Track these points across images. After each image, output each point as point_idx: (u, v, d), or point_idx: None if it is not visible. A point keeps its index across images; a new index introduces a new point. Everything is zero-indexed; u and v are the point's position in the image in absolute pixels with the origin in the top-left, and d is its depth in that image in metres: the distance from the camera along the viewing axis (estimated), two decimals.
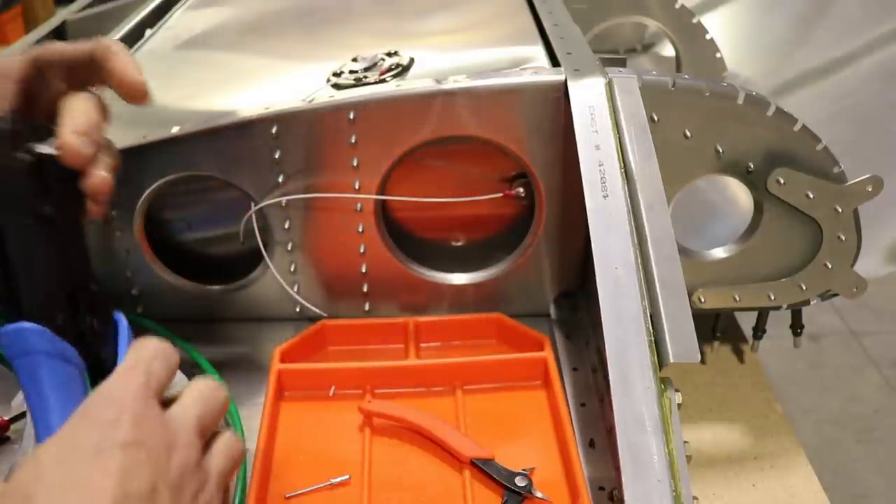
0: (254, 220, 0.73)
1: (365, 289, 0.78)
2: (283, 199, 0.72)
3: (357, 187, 0.72)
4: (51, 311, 0.43)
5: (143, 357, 0.40)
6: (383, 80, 0.74)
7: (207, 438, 0.41)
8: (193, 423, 0.40)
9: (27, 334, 0.41)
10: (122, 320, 0.46)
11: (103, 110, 0.54)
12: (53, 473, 0.35)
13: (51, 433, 0.37)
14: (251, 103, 0.72)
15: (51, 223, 0.45)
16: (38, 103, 0.54)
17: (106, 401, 0.38)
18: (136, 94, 0.55)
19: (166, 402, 0.40)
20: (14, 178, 0.44)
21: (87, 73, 0.55)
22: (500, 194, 0.76)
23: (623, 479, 0.49)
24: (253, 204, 0.72)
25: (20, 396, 0.67)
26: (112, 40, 0.55)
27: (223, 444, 0.42)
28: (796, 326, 0.82)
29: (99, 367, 0.43)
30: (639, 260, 0.59)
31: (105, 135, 0.54)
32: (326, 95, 0.71)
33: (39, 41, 1.23)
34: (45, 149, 0.45)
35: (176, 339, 0.73)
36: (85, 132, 0.50)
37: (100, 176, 0.50)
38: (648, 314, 0.56)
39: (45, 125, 0.47)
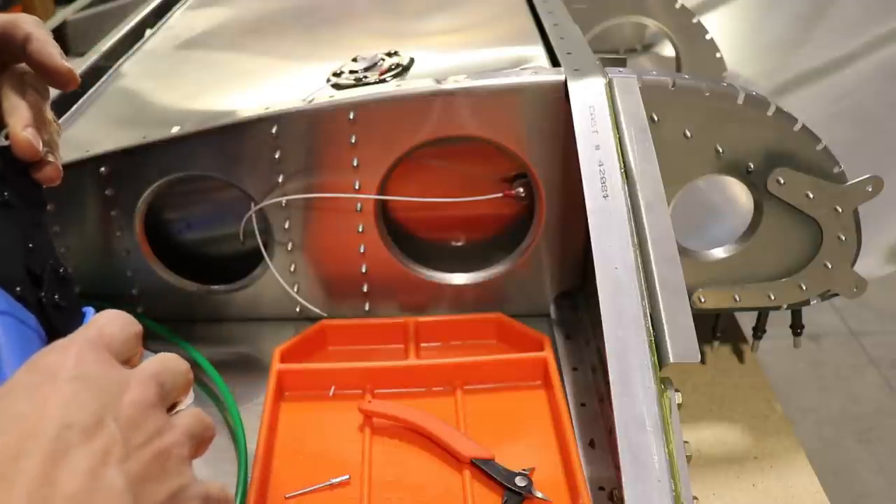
0: (254, 221, 0.73)
1: (365, 289, 0.78)
2: (283, 200, 0.72)
3: (357, 187, 0.72)
4: (10, 280, 0.44)
5: (98, 320, 0.38)
6: (383, 80, 0.74)
7: (166, 397, 0.37)
8: (149, 372, 0.37)
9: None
10: (90, 311, 0.46)
11: (43, 91, 0.53)
12: None
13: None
14: (251, 103, 0.72)
15: (10, 207, 0.47)
16: None
17: (54, 348, 0.36)
18: (62, 81, 0.52)
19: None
20: None
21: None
22: (500, 194, 0.76)
23: (623, 479, 0.49)
24: (253, 204, 0.73)
25: None
26: (23, 15, 0.51)
27: (191, 410, 0.39)
28: (796, 326, 0.82)
29: None
30: (639, 260, 0.59)
31: (47, 114, 0.53)
32: (326, 95, 0.71)
33: None
34: None
35: (176, 339, 0.73)
36: (33, 124, 0.50)
37: (51, 165, 0.52)
38: (648, 314, 0.56)
39: None
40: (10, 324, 0.41)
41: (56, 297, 0.46)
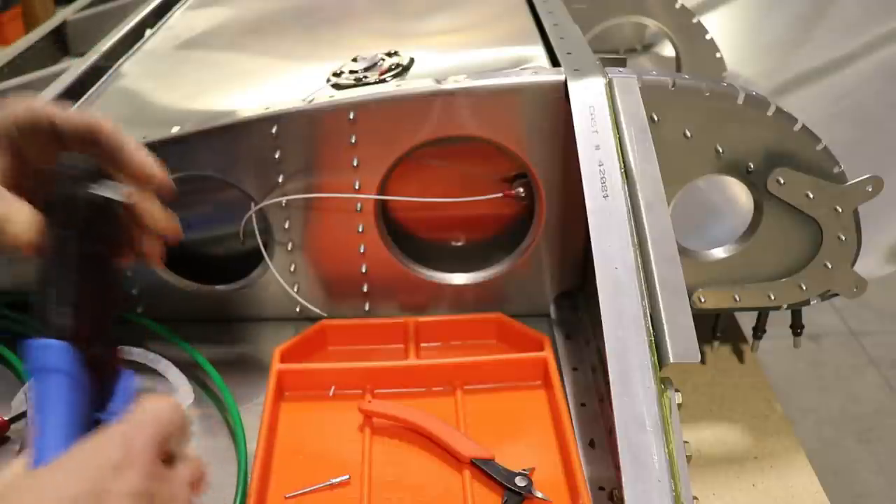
0: (254, 221, 0.73)
1: (365, 289, 0.78)
2: (283, 200, 0.72)
3: (357, 187, 0.72)
4: (92, 338, 0.43)
5: (158, 413, 0.41)
6: (383, 80, 0.74)
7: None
8: (185, 479, 0.42)
9: (57, 352, 0.41)
10: (130, 376, 0.46)
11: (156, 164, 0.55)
12: (52, 496, 0.36)
13: (49, 452, 0.38)
14: (251, 103, 0.72)
15: (103, 258, 0.47)
16: (27, 155, 0.54)
17: (116, 444, 0.39)
18: (159, 187, 0.55)
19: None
20: (87, 214, 0.46)
21: (80, 145, 0.54)
22: (500, 194, 0.76)
23: (623, 479, 0.49)
24: (253, 204, 0.73)
25: (20, 396, 0.67)
26: (107, 120, 0.54)
27: (193, 466, 0.43)
28: (796, 326, 0.82)
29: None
30: (639, 260, 0.59)
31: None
32: (326, 95, 0.71)
33: (39, 41, 1.23)
34: (116, 195, 0.47)
35: (176, 339, 0.73)
36: (150, 182, 0.54)
37: (172, 223, 0.55)
38: (648, 314, 0.56)
39: (103, 170, 0.49)
40: (72, 389, 0.41)
41: (108, 349, 0.46)
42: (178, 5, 1.13)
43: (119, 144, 0.53)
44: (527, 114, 0.70)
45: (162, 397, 0.43)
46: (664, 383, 0.54)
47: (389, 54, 0.79)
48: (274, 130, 0.70)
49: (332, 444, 0.65)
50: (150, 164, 0.53)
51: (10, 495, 0.36)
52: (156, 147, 0.70)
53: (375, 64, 0.77)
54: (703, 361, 0.82)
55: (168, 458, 0.41)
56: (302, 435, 0.66)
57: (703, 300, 0.73)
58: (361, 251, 0.75)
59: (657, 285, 0.57)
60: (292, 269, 0.76)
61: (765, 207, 0.70)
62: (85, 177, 0.46)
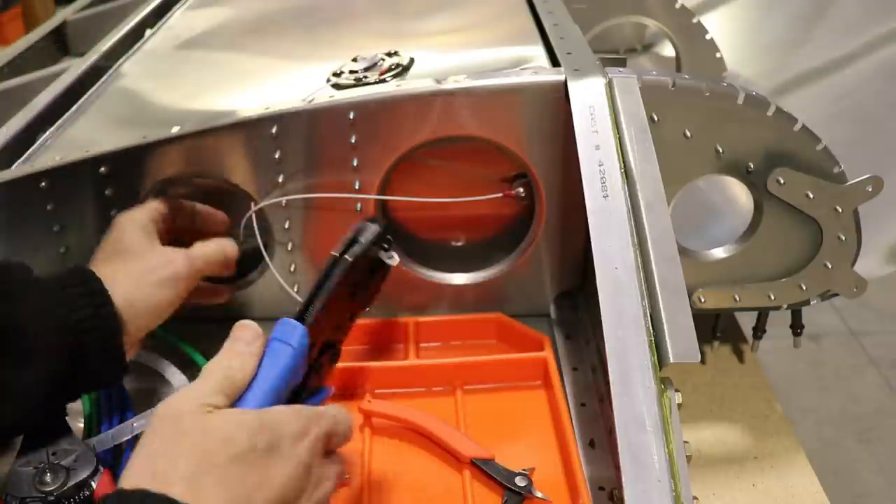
0: (254, 220, 0.73)
1: None
2: (283, 200, 0.72)
3: (357, 187, 0.72)
4: (322, 338, 0.56)
5: (336, 416, 0.50)
6: (383, 80, 0.74)
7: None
8: (337, 471, 0.50)
9: (296, 329, 0.53)
10: (328, 391, 0.56)
11: None
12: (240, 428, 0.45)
13: (249, 404, 0.48)
14: (251, 103, 0.72)
15: (359, 293, 0.61)
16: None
17: (302, 419, 0.47)
18: None
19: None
20: (367, 265, 0.61)
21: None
22: (500, 194, 0.76)
23: (623, 479, 0.49)
24: (253, 204, 0.72)
25: None
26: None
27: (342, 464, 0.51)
28: (796, 326, 0.82)
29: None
30: (639, 260, 0.59)
31: None
32: (326, 95, 0.71)
33: (39, 41, 1.23)
34: (391, 261, 0.63)
35: (176, 340, 0.73)
36: None
37: None
38: (648, 314, 0.56)
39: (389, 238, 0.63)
40: (294, 365, 0.52)
41: (326, 357, 0.57)
42: (178, 5, 1.13)
43: None
44: (527, 114, 0.70)
45: (343, 409, 0.51)
46: (664, 383, 0.54)
47: (389, 54, 0.79)
48: (274, 130, 0.70)
49: None
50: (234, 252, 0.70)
51: (199, 417, 0.45)
52: (156, 147, 0.70)
53: (375, 64, 0.77)
54: (703, 361, 0.82)
55: (328, 453, 0.49)
56: None
57: (703, 300, 0.73)
58: None
59: (657, 285, 0.57)
60: (292, 268, 0.76)
61: (765, 207, 0.70)
62: (378, 241, 0.61)
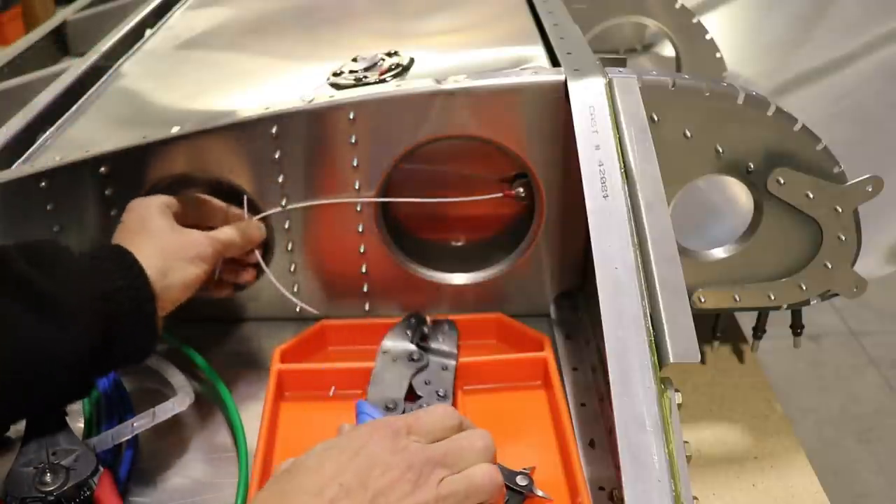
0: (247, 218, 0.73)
1: (365, 289, 0.78)
2: (284, 205, 0.72)
3: (357, 187, 0.72)
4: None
5: (421, 415, 0.52)
6: (383, 80, 0.74)
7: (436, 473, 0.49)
8: (432, 459, 0.49)
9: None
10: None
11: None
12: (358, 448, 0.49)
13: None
14: (251, 103, 0.72)
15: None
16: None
17: (370, 425, 0.51)
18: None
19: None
20: None
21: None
22: (500, 194, 0.76)
23: (623, 479, 0.49)
24: (249, 215, 0.72)
25: None
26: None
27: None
28: (796, 326, 0.82)
29: None
30: (639, 260, 0.59)
31: None
32: (326, 95, 0.71)
33: (39, 41, 1.23)
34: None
35: (175, 340, 0.73)
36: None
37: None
38: (648, 314, 0.56)
39: None
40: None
41: None
42: (178, 5, 1.13)
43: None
44: (527, 114, 0.70)
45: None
46: (664, 383, 0.54)
47: (389, 54, 0.79)
48: (274, 130, 0.70)
49: None
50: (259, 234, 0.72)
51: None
52: (156, 147, 0.70)
53: (375, 64, 0.77)
54: (703, 361, 0.82)
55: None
56: (302, 435, 0.65)
57: (703, 300, 0.73)
58: (361, 251, 0.75)
59: (657, 285, 0.57)
60: (292, 269, 0.76)
61: (765, 207, 0.70)
62: None
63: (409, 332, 0.71)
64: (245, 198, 0.72)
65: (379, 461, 0.47)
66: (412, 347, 0.70)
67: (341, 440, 0.50)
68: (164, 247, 0.63)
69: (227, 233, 0.69)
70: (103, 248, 0.61)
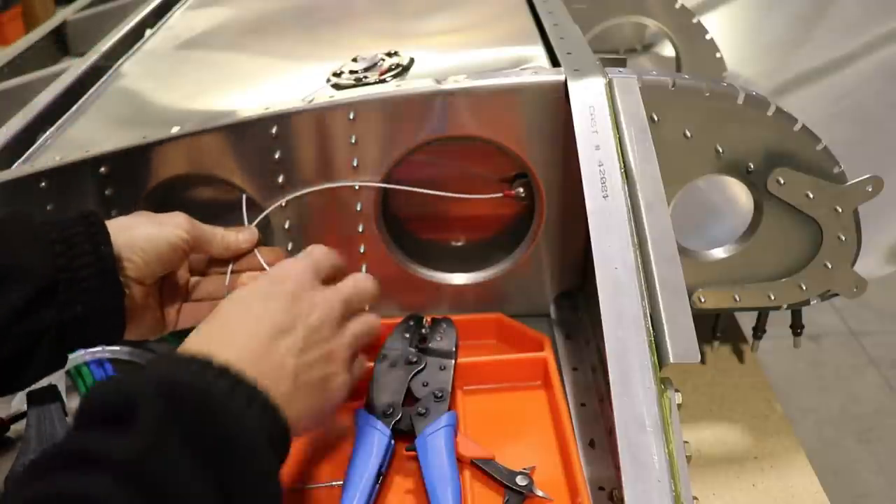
0: (245, 219, 0.73)
1: None
2: (283, 201, 0.72)
3: (357, 187, 0.72)
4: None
5: (313, 253, 0.59)
6: (383, 80, 0.74)
7: (353, 312, 0.58)
8: (341, 296, 0.57)
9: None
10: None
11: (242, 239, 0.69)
12: (237, 304, 0.54)
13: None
14: (251, 103, 0.72)
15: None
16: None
17: (282, 269, 0.57)
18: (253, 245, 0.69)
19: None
20: None
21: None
22: (500, 194, 0.76)
23: (623, 479, 0.49)
24: (247, 222, 0.72)
25: (20, 396, 0.67)
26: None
27: (364, 317, 0.59)
28: (796, 326, 0.82)
29: None
30: (639, 260, 0.59)
31: None
32: (326, 95, 0.71)
33: (39, 41, 1.23)
34: None
35: (176, 341, 0.73)
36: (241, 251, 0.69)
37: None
38: (648, 314, 0.56)
39: None
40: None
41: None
42: (178, 5, 1.13)
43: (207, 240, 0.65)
44: (527, 114, 0.70)
45: (318, 245, 0.61)
46: (664, 383, 0.54)
47: (389, 54, 0.79)
48: (274, 130, 0.70)
49: (333, 445, 0.65)
50: (236, 242, 0.67)
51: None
52: (156, 147, 0.70)
53: (375, 64, 0.77)
54: (703, 361, 0.82)
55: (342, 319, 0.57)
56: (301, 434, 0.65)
57: (703, 300, 0.73)
58: (361, 251, 0.75)
59: (657, 285, 0.57)
60: None
61: (765, 207, 0.70)
62: None
63: (407, 335, 0.71)
64: (244, 197, 0.72)
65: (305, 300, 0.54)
66: (410, 350, 0.70)
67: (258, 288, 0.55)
68: (135, 214, 0.62)
69: (212, 228, 0.66)
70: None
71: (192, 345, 0.50)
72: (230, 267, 0.67)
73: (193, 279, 0.66)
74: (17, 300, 0.53)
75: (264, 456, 0.44)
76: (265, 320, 0.51)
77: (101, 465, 0.38)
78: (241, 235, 0.67)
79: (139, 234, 0.59)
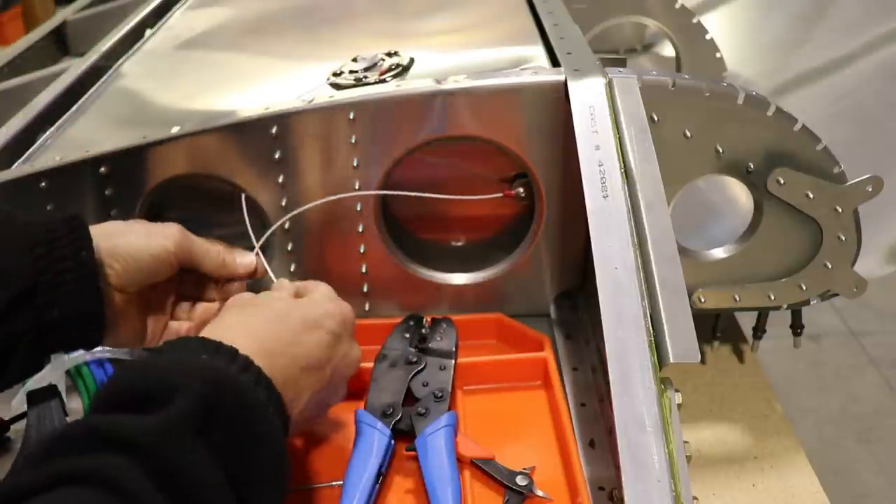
0: (248, 223, 0.73)
1: (365, 289, 0.78)
2: (286, 219, 0.72)
3: (357, 187, 0.72)
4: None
5: (343, 309, 0.60)
6: (383, 80, 0.74)
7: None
8: (358, 357, 0.61)
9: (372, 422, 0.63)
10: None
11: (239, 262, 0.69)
12: (282, 318, 0.55)
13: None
14: (251, 103, 0.72)
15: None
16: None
17: (335, 306, 0.60)
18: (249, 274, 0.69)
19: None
20: None
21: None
22: (500, 194, 0.76)
23: (623, 479, 0.49)
24: (253, 238, 0.72)
25: (20, 396, 0.67)
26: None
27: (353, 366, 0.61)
28: (796, 326, 0.82)
29: None
30: (639, 260, 0.59)
31: None
32: (326, 95, 0.71)
33: (39, 41, 1.23)
34: None
35: None
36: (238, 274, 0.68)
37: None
38: (648, 314, 0.56)
39: None
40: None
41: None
42: (178, 5, 1.13)
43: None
44: (527, 114, 0.70)
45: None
46: (664, 383, 0.54)
47: (389, 54, 0.79)
48: (274, 130, 0.70)
49: (333, 445, 0.65)
50: (233, 262, 0.66)
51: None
52: (156, 147, 0.70)
53: (375, 64, 0.77)
54: (703, 361, 0.82)
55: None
56: (301, 435, 0.65)
57: (703, 300, 0.73)
58: (361, 251, 0.75)
59: (657, 285, 0.57)
60: (291, 269, 0.76)
61: (765, 207, 0.70)
62: None
63: (406, 335, 0.71)
64: (244, 198, 0.72)
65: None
66: (410, 350, 0.70)
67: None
68: (130, 221, 0.62)
69: (206, 242, 0.65)
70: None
71: (227, 334, 0.50)
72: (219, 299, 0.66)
73: (185, 303, 0.65)
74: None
75: (284, 454, 0.47)
76: (304, 348, 0.54)
77: (126, 446, 0.39)
78: (241, 259, 0.66)
79: (123, 242, 0.59)
